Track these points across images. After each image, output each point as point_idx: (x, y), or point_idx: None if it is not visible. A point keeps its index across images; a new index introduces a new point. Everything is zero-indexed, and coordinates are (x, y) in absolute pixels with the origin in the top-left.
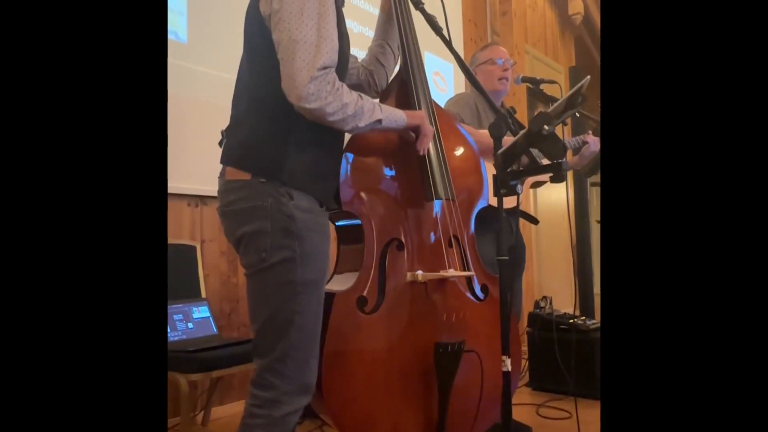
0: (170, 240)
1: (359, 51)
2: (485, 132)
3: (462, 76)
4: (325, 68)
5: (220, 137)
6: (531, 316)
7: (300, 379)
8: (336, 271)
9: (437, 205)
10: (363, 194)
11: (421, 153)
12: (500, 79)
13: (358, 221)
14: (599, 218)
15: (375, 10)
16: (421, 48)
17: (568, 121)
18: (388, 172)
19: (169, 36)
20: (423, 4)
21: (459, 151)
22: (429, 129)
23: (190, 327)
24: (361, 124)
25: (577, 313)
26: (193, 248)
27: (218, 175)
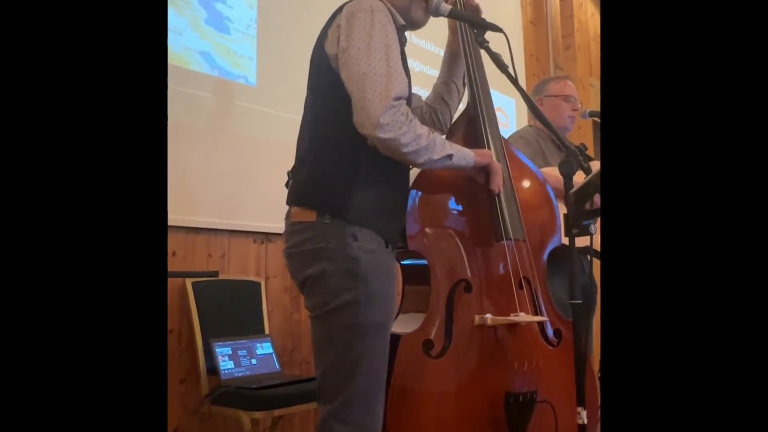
0: (236, 276)
1: (420, 89)
2: (548, 170)
3: (524, 111)
4: (398, 99)
5: (284, 176)
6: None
7: (366, 426)
8: (401, 311)
9: (508, 245)
10: (429, 231)
11: (497, 191)
12: (570, 117)
13: (424, 261)
14: None
15: (435, 49)
16: None
17: None
18: (456, 210)
19: (239, 80)
20: (488, 42)
21: (530, 189)
22: (498, 166)
23: (253, 363)
24: (435, 156)
25: None
26: (258, 284)
27: (284, 214)
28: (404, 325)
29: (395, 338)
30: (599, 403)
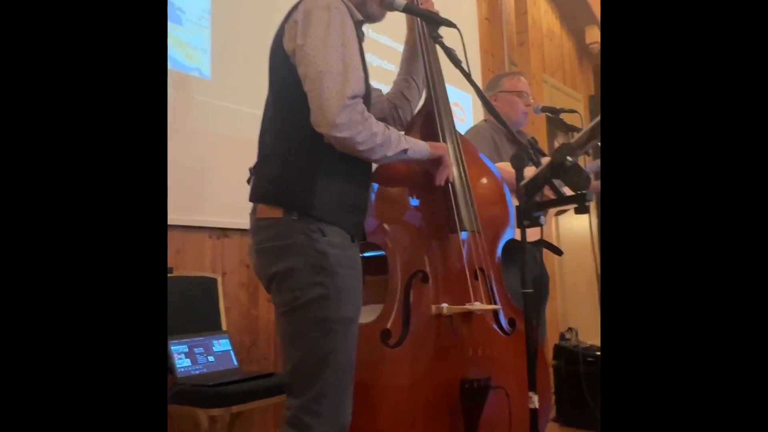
0: (192, 272)
1: (378, 84)
2: (502, 165)
3: (480, 106)
4: (354, 97)
5: (242, 170)
6: (557, 348)
7: (335, 419)
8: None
9: (463, 237)
10: (387, 225)
11: (439, 184)
12: (523, 112)
13: (381, 252)
14: None
15: (393, 43)
16: None
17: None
18: (413, 203)
19: (193, 72)
20: (442, 37)
21: (484, 182)
22: (449, 161)
23: (210, 360)
24: (389, 153)
25: None
26: (215, 280)
27: (241, 210)
28: (363, 315)
29: None
30: (552, 389)
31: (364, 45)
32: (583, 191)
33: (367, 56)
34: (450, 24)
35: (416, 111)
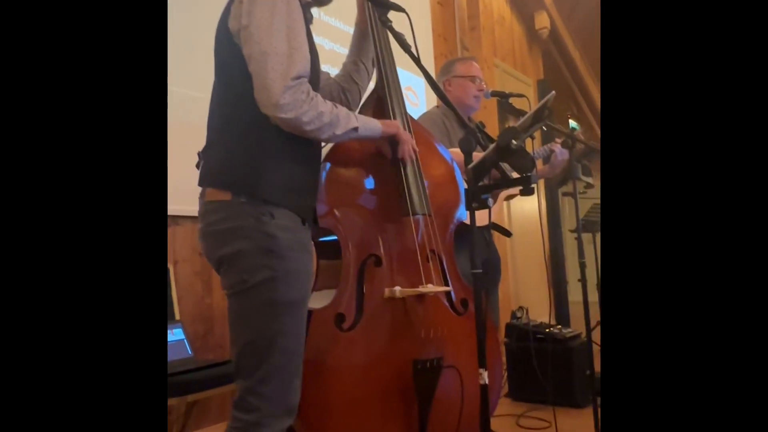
0: None
1: (331, 68)
2: (456, 150)
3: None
4: (298, 78)
5: (191, 155)
6: (508, 327)
7: (283, 400)
8: (315, 288)
9: (415, 220)
10: (339, 209)
11: (407, 159)
12: (475, 96)
13: (335, 237)
14: (572, 228)
15: (346, 27)
16: None
17: (537, 133)
18: (365, 187)
19: None
20: (391, 22)
21: (435, 166)
22: (406, 135)
23: None
24: (338, 132)
25: (553, 322)
26: (167, 269)
27: (192, 197)
28: (317, 301)
29: (308, 313)
30: (504, 367)
31: (317, 29)
32: (528, 174)
33: (320, 40)
34: (399, 8)
35: (367, 94)
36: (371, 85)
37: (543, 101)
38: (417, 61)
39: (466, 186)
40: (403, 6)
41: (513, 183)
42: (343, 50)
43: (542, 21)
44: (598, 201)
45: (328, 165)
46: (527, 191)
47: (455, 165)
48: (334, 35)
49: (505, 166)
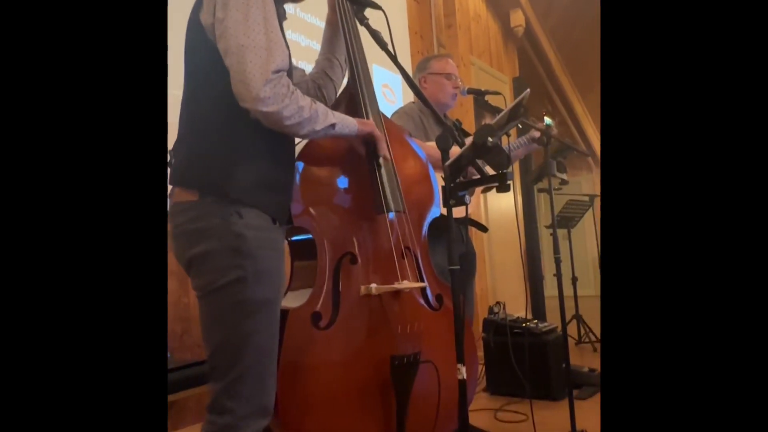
0: None
1: (307, 64)
2: (432, 144)
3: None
4: (278, 71)
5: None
6: (486, 321)
7: (257, 401)
8: (290, 288)
9: (389, 217)
10: (314, 207)
11: (386, 156)
12: (451, 94)
13: (310, 236)
14: (547, 224)
15: (320, 23)
16: (369, 61)
17: (512, 130)
18: (339, 185)
19: None
20: (368, 19)
21: (409, 163)
22: (381, 134)
23: None
24: (318, 127)
25: (530, 316)
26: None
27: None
28: (293, 301)
29: (283, 313)
30: (481, 361)
31: (293, 25)
32: (504, 171)
33: (295, 36)
34: (375, 6)
35: (340, 91)
36: (344, 82)
37: (518, 99)
38: (394, 58)
39: (443, 183)
40: (380, 3)
41: (489, 180)
42: (318, 46)
43: (517, 19)
44: (573, 197)
45: (301, 164)
46: (503, 188)
47: (429, 162)
48: (310, 31)
49: (482, 162)
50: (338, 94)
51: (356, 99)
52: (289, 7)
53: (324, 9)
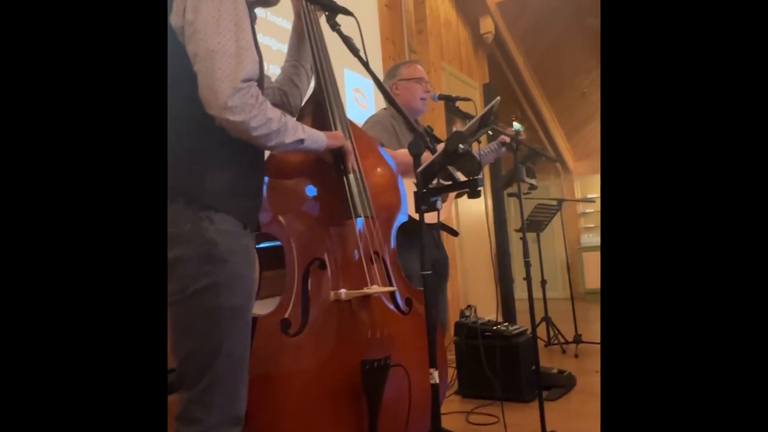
0: None
1: (277, 68)
2: (404, 151)
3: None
4: (248, 80)
5: None
6: (457, 325)
7: (228, 409)
8: (258, 296)
9: (358, 223)
10: (282, 215)
11: (352, 170)
12: (422, 98)
13: (278, 243)
14: (516, 227)
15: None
16: (340, 65)
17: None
18: (307, 192)
19: None
20: (339, 25)
21: (376, 170)
22: (350, 147)
23: None
24: (286, 140)
25: (500, 319)
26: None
27: None
28: (261, 308)
29: (252, 321)
30: (453, 365)
31: (264, 28)
32: (475, 177)
33: (267, 40)
34: (347, 12)
35: (306, 99)
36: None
37: (488, 107)
38: (366, 65)
39: (415, 189)
40: (352, 9)
41: (461, 186)
42: None
43: (487, 26)
44: (542, 201)
45: (269, 171)
46: (475, 194)
47: (397, 169)
48: (281, 35)
49: (453, 168)
50: (304, 102)
51: (323, 107)
52: (260, 11)
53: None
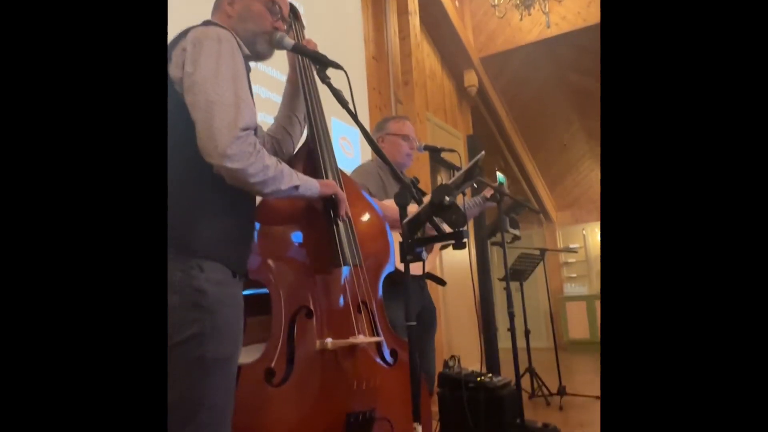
0: None
1: (266, 115)
2: (390, 202)
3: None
4: (246, 129)
5: None
6: (441, 376)
7: None
8: (243, 343)
9: (345, 271)
10: (271, 261)
11: (345, 217)
12: (408, 154)
13: (265, 290)
14: (500, 276)
15: (282, 76)
16: (328, 114)
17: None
18: (296, 239)
19: None
20: (329, 78)
21: (365, 218)
22: (343, 195)
23: None
24: (282, 187)
25: (484, 369)
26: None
27: None
28: (246, 356)
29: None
30: (436, 417)
31: (253, 76)
32: (461, 229)
33: (257, 88)
34: (337, 66)
35: (298, 147)
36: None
37: (473, 161)
38: (355, 118)
39: (401, 239)
40: (341, 61)
41: (446, 237)
42: (279, 98)
43: (471, 79)
44: (525, 250)
45: (259, 218)
46: (459, 245)
47: (385, 219)
48: (271, 84)
49: (439, 219)
50: (297, 150)
51: (315, 156)
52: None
53: (284, 62)
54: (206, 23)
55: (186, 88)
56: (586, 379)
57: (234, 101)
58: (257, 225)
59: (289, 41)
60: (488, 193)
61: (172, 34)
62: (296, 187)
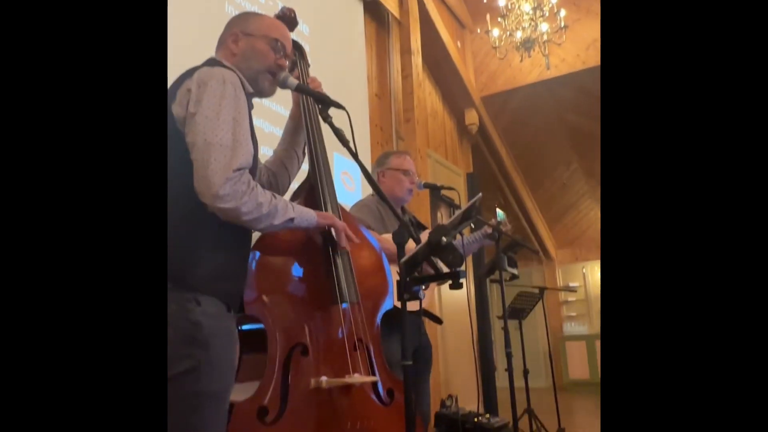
0: None
1: (269, 149)
2: (389, 237)
3: None
4: (240, 169)
5: None
6: (438, 415)
7: None
8: (237, 380)
9: (343, 308)
10: (267, 296)
11: (345, 246)
12: (408, 189)
13: (261, 325)
14: (499, 314)
15: (284, 111)
16: (330, 149)
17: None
18: (294, 275)
19: None
20: (331, 117)
21: (364, 254)
22: (341, 224)
23: None
24: (276, 222)
25: (482, 409)
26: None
27: None
28: (239, 393)
29: (229, 406)
30: None
31: (255, 111)
32: (458, 269)
33: (259, 122)
34: (338, 106)
35: (300, 183)
36: (304, 169)
37: (471, 202)
38: (355, 156)
39: (398, 278)
40: (343, 99)
41: (443, 277)
42: (280, 132)
43: (471, 117)
44: (524, 289)
45: (257, 253)
46: (456, 285)
47: (383, 254)
48: (273, 118)
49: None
50: (299, 185)
51: (316, 191)
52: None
53: (286, 97)
54: (212, 63)
55: (188, 127)
56: (586, 420)
57: (231, 143)
58: (257, 254)
59: (293, 81)
60: (488, 229)
61: (173, 72)
62: (291, 220)
